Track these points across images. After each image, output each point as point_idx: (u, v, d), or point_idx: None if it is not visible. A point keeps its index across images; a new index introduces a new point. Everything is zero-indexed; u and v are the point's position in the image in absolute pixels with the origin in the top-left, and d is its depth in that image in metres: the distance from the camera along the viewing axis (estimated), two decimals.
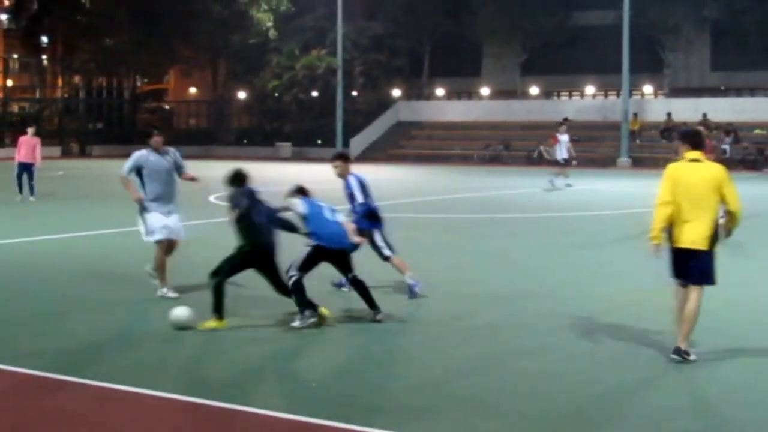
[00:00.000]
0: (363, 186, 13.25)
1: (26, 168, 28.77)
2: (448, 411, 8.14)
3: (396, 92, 70.90)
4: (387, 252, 13.01)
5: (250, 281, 12.05)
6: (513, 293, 13.58)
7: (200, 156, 63.34)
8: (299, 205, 11.49)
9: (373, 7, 69.06)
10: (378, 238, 13.01)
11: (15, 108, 79.05)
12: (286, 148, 66.99)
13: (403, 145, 63.93)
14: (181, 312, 10.78)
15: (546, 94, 69.28)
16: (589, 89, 67.29)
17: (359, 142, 64.57)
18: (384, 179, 41.59)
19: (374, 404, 8.37)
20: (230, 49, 71.83)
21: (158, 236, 13.08)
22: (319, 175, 41.47)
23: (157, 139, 13.68)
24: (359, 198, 12.94)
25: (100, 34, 75.99)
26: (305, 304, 10.91)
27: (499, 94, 69.08)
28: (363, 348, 10.58)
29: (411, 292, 12.84)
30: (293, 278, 11.01)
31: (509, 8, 64.07)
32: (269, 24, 68.14)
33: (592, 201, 30.52)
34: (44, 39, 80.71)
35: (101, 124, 79.91)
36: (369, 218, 12.91)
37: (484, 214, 25.51)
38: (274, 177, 40.92)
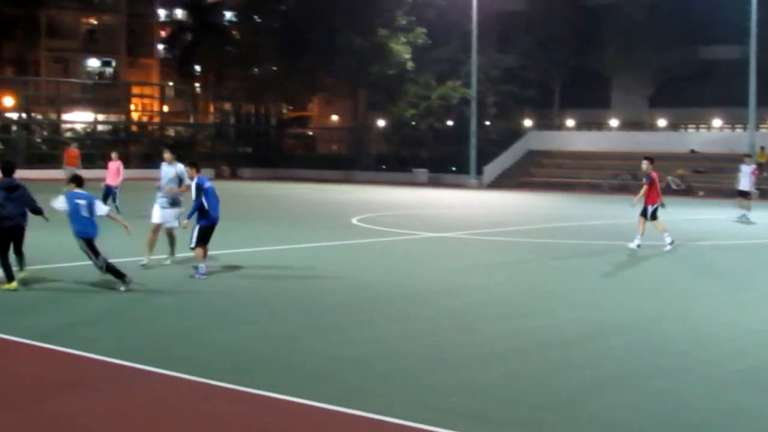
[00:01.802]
0: (200, 189, 17.40)
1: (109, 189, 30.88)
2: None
3: (527, 122, 73.32)
4: (192, 244, 17.37)
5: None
6: (642, 317, 14.27)
7: (341, 180, 66.60)
8: (61, 201, 15.97)
9: (506, 41, 71.46)
10: (195, 232, 17.37)
11: (171, 132, 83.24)
12: (422, 174, 69.28)
13: (534, 173, 65.48)
14: None
15: (673, 126, 70.72)
16: (716, 122, 68.54)
17: (492, 170, 66.79)
18: (516, 206, 43.72)
19: None
20: (370, 79, 73.85)
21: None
22: (453, 200, 44.49)
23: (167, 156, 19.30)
24: (194, 196, 17.33)
25: (249, 63, 79.81)
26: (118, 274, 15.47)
27: (626, 125, 70.89)
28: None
29: (196, 274, 17.12)
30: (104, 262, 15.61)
31: (638, 43, 65.96)
32: (407, 56, 70.65)
33: (717, 231, 30.89)
34: (197, 68, 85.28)
35: (250, 148, 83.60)
36: (200, 213, 17.40)
37: (614, 240, 25.42)
38: (410, 201, 43.93)
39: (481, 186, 63.10)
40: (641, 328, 13.43)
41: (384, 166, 74.43)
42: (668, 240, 23.31)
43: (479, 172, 64.93)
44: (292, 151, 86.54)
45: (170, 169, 18.92)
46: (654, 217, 23.49)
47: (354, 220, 28.41)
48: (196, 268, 17.36)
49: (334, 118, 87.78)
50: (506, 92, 70.21)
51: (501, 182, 63.64)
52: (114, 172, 31.68)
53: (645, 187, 23.67)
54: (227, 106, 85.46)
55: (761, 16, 54.50)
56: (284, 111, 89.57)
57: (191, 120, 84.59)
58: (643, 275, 19.80)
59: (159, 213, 18.84)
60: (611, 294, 16.79)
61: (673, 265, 21.30)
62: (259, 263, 19.73)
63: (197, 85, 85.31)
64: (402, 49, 70.41)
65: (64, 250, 18.35)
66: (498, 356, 11.56)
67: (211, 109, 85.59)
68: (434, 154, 71.60)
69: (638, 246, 22.94)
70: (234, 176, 73.03)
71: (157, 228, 18.79)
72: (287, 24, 76.87)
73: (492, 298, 16.03)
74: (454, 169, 68.69)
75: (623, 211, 31.92)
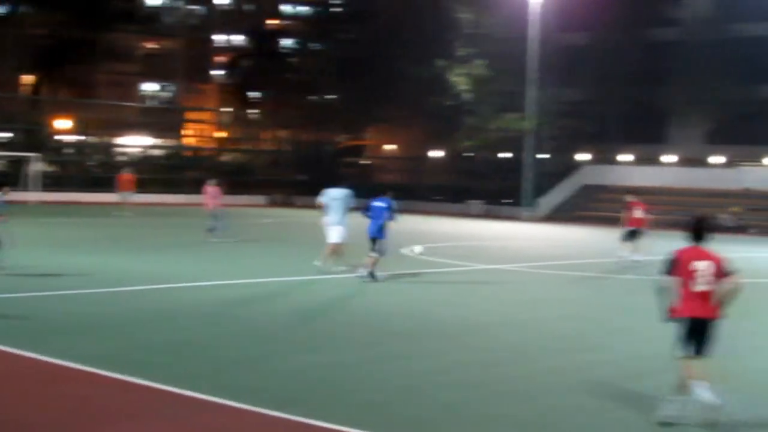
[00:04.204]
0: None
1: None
2: None
3: (583, 156, 73.22)
4: None
5: None
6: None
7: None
8: None
9: (566, 75, 71.46)
10: None
11: (226, 158, 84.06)
12: (477, 206, 69.44)
13: (589, 207, 65.32)
14: None
15: (729, 163, 70.46)
16: None
17: (547, 203, 66.76)
18: (571, 239, 43.78)
19: None
20: (427, 109, 74.10)
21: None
22: (508, 232, 44.55)
23: None
24: None
25: (307, 91, 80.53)
26: None
27: (683, 161, 70.67)
28: None
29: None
30: None
31: (698, 79, 65.90)
32: (465, 87, 70.90)
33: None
34: (255, 94, 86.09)
35: (305, 176, 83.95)
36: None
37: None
38: (465, 233, 44.14)
39: (535, 219, 63.02)
40: None
41: (439, 197, 74.36)
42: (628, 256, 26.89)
43: (534, 204, 64.93)
44: (348, 180, 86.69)
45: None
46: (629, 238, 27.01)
47: (411, 250, 28.43)
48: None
49: (391, 147, 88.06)
50: (564, 126, 70.07)
51: (555, 216, 63.58)
52: (211, 197, 33.29)
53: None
54: (283, 133, 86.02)
55: None
56: (340, 139, 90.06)
57: (247, 146, 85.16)
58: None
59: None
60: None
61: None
62: (314, 291, 20.01)
63: (255, 111, 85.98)
64: (460, 80, 70.56)
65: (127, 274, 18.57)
66: (556, 389, 11.65)
67: (269, 135, 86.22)
68: (489, 185, 71.59)
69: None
70: (287, 203, 73.37)
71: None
72: (346, 52, 77.49)
73: (552, 332, 16.15)
74: (509, 201, 68.65)
75: (676, 246, 31.54)
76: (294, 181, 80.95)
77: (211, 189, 33.41)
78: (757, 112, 66.32)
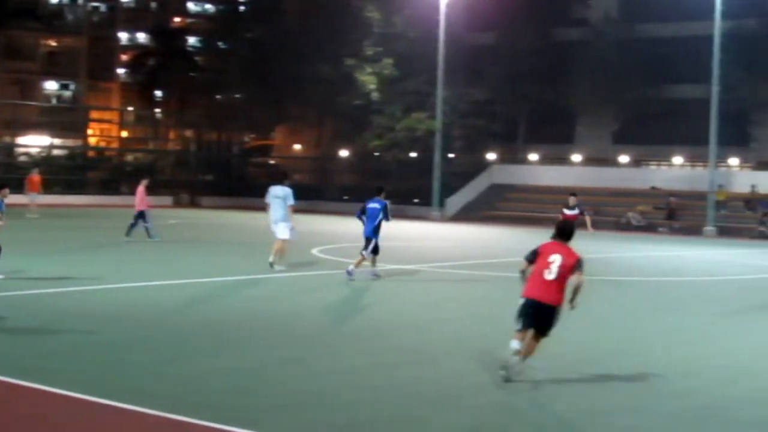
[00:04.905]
0: None
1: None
2: None
3: (491, 155, 73.46)
4: None
5: None
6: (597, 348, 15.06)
7: (304, 210, 66.31)
8: None
9: (473, 74, 71.59)
10: None
11: (130, 158, 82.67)
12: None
13: (497, 206, 65.58)
14: None
15: (636, 162, 71.26)
16: (678, 159, 69.12)
17: (455, 203, 66.87)
18: (478, 239, 43.77)
19: None
20: (336, 109, 73.92)
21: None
22: (415, 232, 44.47)
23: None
24: None
25: (213, 90, 79.60)
26: None
27: (591, 160, 71.30)
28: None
29: None
30: None
31: (604, 80, 66.58)
32: (373, 86, 70.55)
33: (676, 267, 31.46)
34: (159, 93, 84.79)
35: (211, 176, 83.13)
36: None
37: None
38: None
39: (443, 219, 63.03)
40: (598, 361, 13.34)
41: (347, 197, 73.95)
42: None
43: (442, 204, 64.95)
44: (255, 180, 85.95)
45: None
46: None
47: (315, 252, 28.00)
48: None
49: (298, 147, 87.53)
50: (472, 125, 70.19)
51: (464, 215, 63.66)
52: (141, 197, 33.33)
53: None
54: (189, 132, 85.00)
55: (724, 57, 55.04)
56: (247, 139, 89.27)
57: (152, 146, 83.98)
58: (611, 308, 19.74)
59: None
60: (573, 327, 16.51)
61: (634, 299, 21.19)
62: (215, 294, 19.52)
63: (161, 110, 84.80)
64: (368, 80, 70.28)
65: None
66: (460, 390, 11.48)
67: (172, 135, 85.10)
68: (398, 185, 71.34)
69: None
70: (193, 204, 72.49)
71: None
72: (253, 51, 76.82)
73: (457, 333, 16.00)
74: (416, 201, 68.61)
75: (583, 245, 31.83)
76: (200, 181, 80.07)
77: (141, 189, 33.47)
78: (662, 111, 67.12)
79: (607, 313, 18.92)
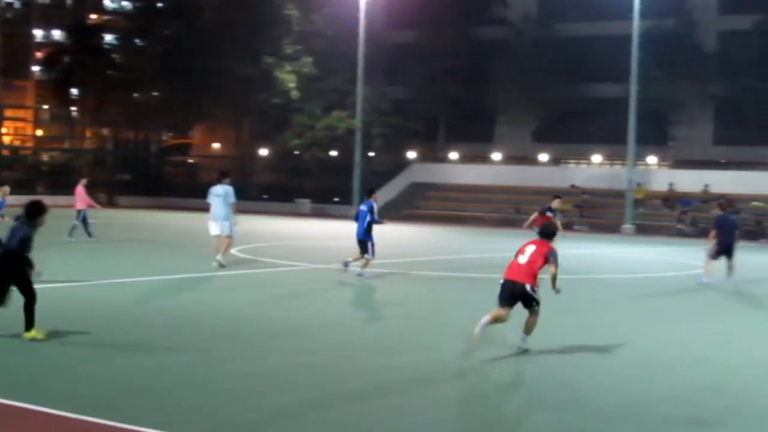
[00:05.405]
0: None
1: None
2: None
3: (412, 154, 73.44)
4: None
5: None
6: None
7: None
8: None
9: (394, 73, 71.58)
10: None
11: (45, 157, 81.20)
12: (305, 205, 68.91)
13: (418, 205, 65.65)
14: None
15: (556, 161, 71.72)
16: (597, 158, 69.72)
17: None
18: (398, 238, 43.41)
19: None
20: (255, 107, 73.49)
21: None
22: (335, 231, 44.31)
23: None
24: None
25: (130, 88, 78.52)
26: None
27: (511, 159, 71.60)
28: None
29: None
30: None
31: (523, 79, 66.87)
32: (293, 85, 70.28)
33: (594, 265, 31.49)
34: (76, 91, 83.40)
35: (128, 176, 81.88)
36: None
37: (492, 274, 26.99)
38: (293, 232, 43.60)
39: None
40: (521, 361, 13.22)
41: (267, 196, 73.46)
42: None
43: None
44: (173, 179, 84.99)
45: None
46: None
47: (235, 251, 27.63)
48: None
49: (217, 146, 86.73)
50: (392, 124, 70.12)
51: (384, 214, 63.02)
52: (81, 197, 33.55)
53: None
54: (106, 131, 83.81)
55: (642, 56, 55.60)
56: (165, 138, 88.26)
57: (67, 145, 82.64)
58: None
59: None
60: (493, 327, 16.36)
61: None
62: (134, 294, 18.97)
63: (75, 109, 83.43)
64: (288, 78, 69.91)
65: None
66: (383, 390, 11.27)
67: (89, 134, 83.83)
68: (318, 184, 71.38)
69: None
70: (110, 204, 71.47)
71: None
72: (171, 49, 75.94)
73: (377, 332, 15.86)
74: (337, 200, 68.43)
75: (504, 244, 32.23)
76: (118, 180, 78.95)
77: (80, 189, 33.66)
78: (581, 110, 67.64)
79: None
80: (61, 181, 66.58)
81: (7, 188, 21.52)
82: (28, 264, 13.44)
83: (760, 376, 13.17)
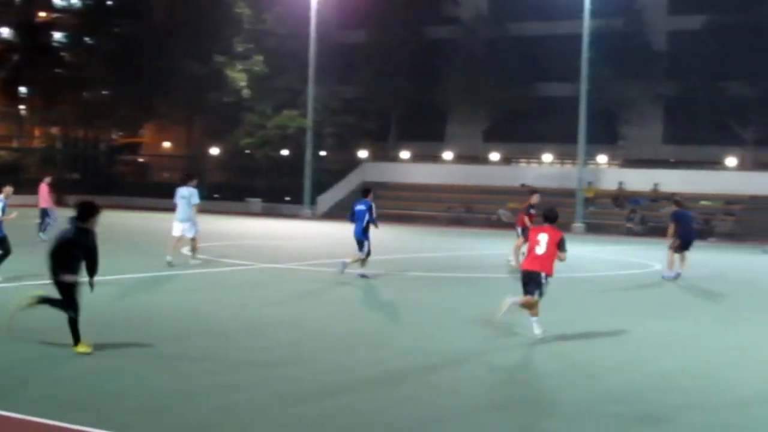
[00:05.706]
0: None
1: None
2: None
3: (363, 153, 73.42)
4: None
5: None
6: (476, 351, 15.48)
7: (173, 208, 65.37)
8: None
9: (345, 72, 71.54)
10: None
11: None
12: (256, 204, 68.80)
13: None
14: None
15: (506, 160, 72.02)
16: (548, 157, 70.11)
17: (326, 200, 66.74)
18: (348, 237, 43.66)
19: None
20: (205, 106, 73.30)
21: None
22: (286, 231, 44.14)
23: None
24: None
25: (79, 87, 77.85)
26: None
27: (462, 158, 71.80)
28: None
29: None
30: None
31: (475, 78, 67.08)
32: (243, 83, 70.08)
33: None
34: (24, 89, 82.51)
35: (77, 174, 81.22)
36: None
37: (447, 273, 26.77)
38: (243, 231, 43.46)
39: (315, 216, 62.81)
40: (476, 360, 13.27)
41: (217, 196, 73.00)
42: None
43: (313, 202, 64.68)
44: (123, 178, 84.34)
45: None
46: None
47: (185, 251, 27.41)
48: None
49: (167, 145, 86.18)
50: (344, 123, 70.10)
51: (335, 213, 63.38)
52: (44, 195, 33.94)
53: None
54: (55, 130, 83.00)
55: (592, 56, 55.95)
56: (115, 137, 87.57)
57: (15, 144, 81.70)
58: (470, 305, 19.45)
59: None
60: (444, 326, 16.39)
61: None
62: (86, 294, 18.64)
63: (23, 107, 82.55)
64: (239, 77, 69.73)
65: None
66: (336, 389, 11.18)
67: (38, 133, 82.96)
68: (269, 183, 71.27)
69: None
70: (59, 203, 70.60)
71: None
72: (120, 47, 75.39)
73: (329, 331, 15.72)
74: (288, 199, 68.33)
75: (455, 243, 32.16)
76: (67, 179, 78.11)
77: (44, 187, 33.95)
78: (532, 110, 67.98)
79: (472, 309, 18.63)
80: (9, 180, 65.45)
81: (10, 189, 21.20)
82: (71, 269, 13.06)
83: (711, 372, 13.23)
